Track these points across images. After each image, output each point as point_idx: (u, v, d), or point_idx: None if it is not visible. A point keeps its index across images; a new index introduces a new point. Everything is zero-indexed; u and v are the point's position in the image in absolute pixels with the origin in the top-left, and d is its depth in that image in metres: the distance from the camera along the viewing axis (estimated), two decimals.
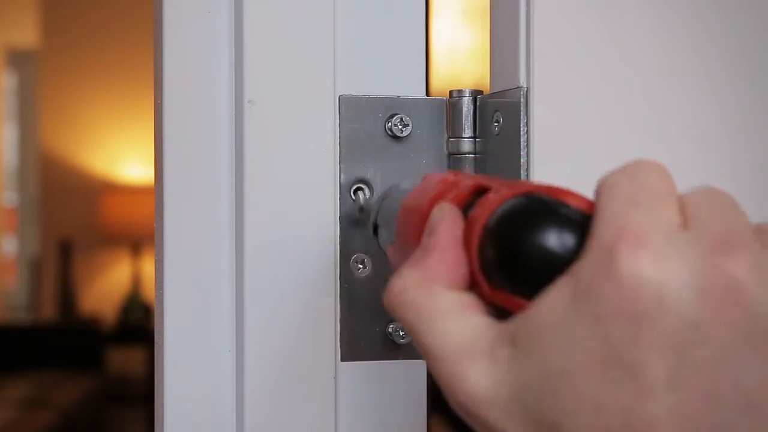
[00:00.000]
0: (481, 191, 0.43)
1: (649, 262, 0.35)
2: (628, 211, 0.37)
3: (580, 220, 0.38)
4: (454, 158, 0.64)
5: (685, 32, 0.61)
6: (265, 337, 0.62)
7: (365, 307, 0.63)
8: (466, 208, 0.43)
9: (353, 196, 0.63)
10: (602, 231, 0.37)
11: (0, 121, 5.64)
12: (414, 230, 0.46)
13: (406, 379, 0.64)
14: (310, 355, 0.62)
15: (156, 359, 0.65)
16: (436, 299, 0.40)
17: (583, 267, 0.37)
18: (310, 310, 0.62)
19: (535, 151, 0.59)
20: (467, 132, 0.64)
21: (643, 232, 0.36)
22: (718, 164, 0.62)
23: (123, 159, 4.83)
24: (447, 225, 0.42)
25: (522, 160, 0.59)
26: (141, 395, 4.25)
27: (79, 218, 4.82)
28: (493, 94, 0.62)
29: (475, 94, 0.64)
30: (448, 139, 0.65)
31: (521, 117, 0.59)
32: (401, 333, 0.64)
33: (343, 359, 0.63)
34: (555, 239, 0.38)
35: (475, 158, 0.64)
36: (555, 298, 0.37)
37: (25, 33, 5.36)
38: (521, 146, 0.59)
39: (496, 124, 0.61)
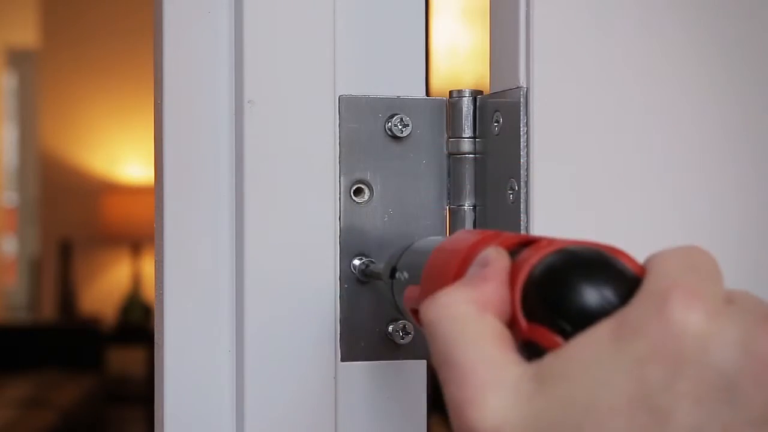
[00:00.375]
0: (527, 243, 0.44)
1: (700, 313, 0.36)
2: (682, 273, 0.38)
3: (632, 276, 0.40)
4: (454, 158, 0.64)
5: (685, 32, 0.61)
6: (265, 337, 0.62)
7: (365, 307, 0.63)
8: (511, 254, 0.44)
9: (353, 197, 0.63)
10: (655, 283, 0.37)
11: (0, 121, 5.64)
12: (450, 268, 0.47)
13: (406, 379, 0.64)
14: (310, 355, 0.62)
15: (156, 359, 0.65)
16: (486, 323, 0.40)
17: (631, 309, 0.37)
18: (310, 310, 0.62)
19: (535, 151, 0.59)
20: (467, 132, 0.64)
21: (697, 289, 0.37)
22: (717, 164, 0.62)
23: (123, 159, 4.83)
24: (503, 263, 0.42)
25: (522, 160, 0.59)
26: (141, 395, 4.25)
27: (79, 218, 4.82)
28: (493, 94, 0.62)
29: (475, 94, 0.64)
30: (448, 139, 0.65)
31: (521, 117, 0.59)
32: (401, 333, 0.64)
33: (343, 359, 0.63)
34: (607, 285, 0.39)
35: (475, 158, 0.64)
36: (594, 336, 0.37)
37: (25, 33, 5.36)
38: (521, 146, 0.59)
39: (496, 124, 0.61)
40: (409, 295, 0.52)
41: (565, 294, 0.39)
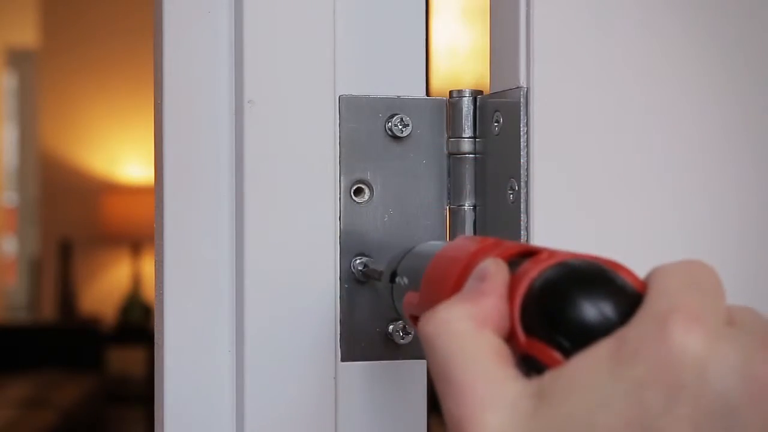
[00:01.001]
0: (527, 254, 0.44)
1: (700, 337, 0.36)
2: (684, 292, 0.37)
3: (632, 292, 0.39)
4: (454, 158, 0.64)
5: (685, 32, 0.61)
6: (265, 337, 0.62)
7: (365, 307, 0.63)
8: (510, 265, 0.43)
9: (353, 197, 0.63)
10: (656, 303, 0.37)
11: (0, 121, 5.64)
12: (450, 278, 0.47)
13: (406, 379, 0.64)
14: (310, 355, 0.62)
15: (156, 359, 0.65)
16: (484, 339, 0.40)
17: (631, 331, 0.37)
18: (310, 310, 0.62)
19: (535, 151, 0.59)
20: (467, 132, 0.64)
21: (698, 311, 0.36)
22: (717, 164, 0.62)
23: (123, 159, 4.83)
24: (502, 277, 0.42)
25: (522, 160, 0.59)
26: (141, 395, 4.25)
27: (79, 218, 4.82)
28: (493, 94, 0.62)
29: (475, 94, 0.64)
30: (448, 139, 0.65)
31: (521, 117, 0.59)
32: (401, 333, 0.64)
33: (343, 359, 0.63)
34: (608, 302, 0.39)
35: (475, 158, 0.64)
36: (594, 357, 0.37)
37: (25, 33, 5.36)
38: (521, 146, 0.59)
39: (496, 124, 0.61)
40: (409, 301, 0.52)
41: (564, 310, 0.39)
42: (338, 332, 0.63)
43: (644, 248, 0.61)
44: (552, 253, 0.42)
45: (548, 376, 0.38)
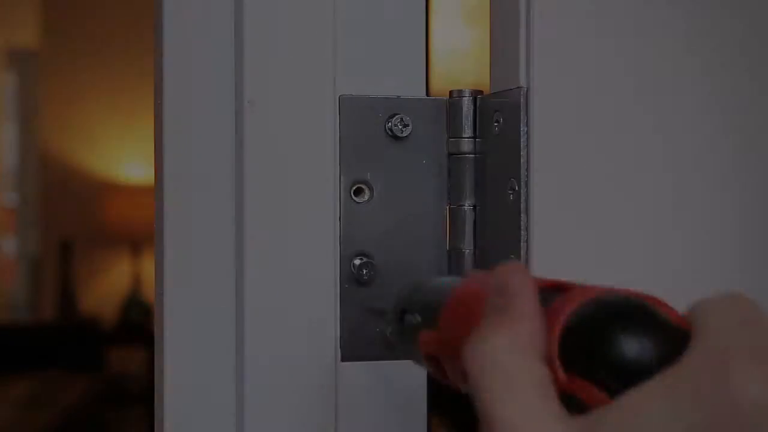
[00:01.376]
0: (554, 287, 0.42)
1: (761, 381, 0.34)
2: (738, 330, 0.36)
3: (676, 328, 0.38)
4: (454, 158, 0.64)
5: (685, 33, 0.61)
6: (265, 337, 0.62)
7: (365, 307, 0.63)
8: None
9: (353, 197, 0.63)
10: (710, 341, 0.36)
11: (0, 121, 5.64)
12: (477, 314, 0.44)
13: (406, 379, 0.64)
14: (310, 355, 0.62)
15: (156, 359, 0.65)
16: (529, 370, 0.38)
17: (685, 368, 0.35)
18: (310, 311, 0.62)
19: (535, 151, 0.59)
20: (467, 132, 0.64)
21: (756, 352, 0.35)
22: (717, 164, 0.62)
23: (123, 159, 4.83)
24: (531, 290, 0.41)
25: (522, 160, 0.59)
26: (141, 395, 4.25)
27: (79, 218, 4.82)
28: (493, 94, 0.62)
29: (475, 94, 0.64)
30: (448, 139, 0.65)
31: (521, 117, 0.59)
32: None
33: (343, 359, 0.63)
34: (653, 339, 0.37)
35: (475, 158, 0.64)
36: (647, 396, 0.35)
37: (25, 33, 5.36)
38: (521, 146, 0.59)
39: (496, 124, 0.61)
40: (425, 340, 0.49)
41: (609, 347, 0.37)
42: (338, 332, 0.63)
43: (644, 248, 0.61)
44: (585, 288, 0.40)
45: (596, 415, 0.36)
